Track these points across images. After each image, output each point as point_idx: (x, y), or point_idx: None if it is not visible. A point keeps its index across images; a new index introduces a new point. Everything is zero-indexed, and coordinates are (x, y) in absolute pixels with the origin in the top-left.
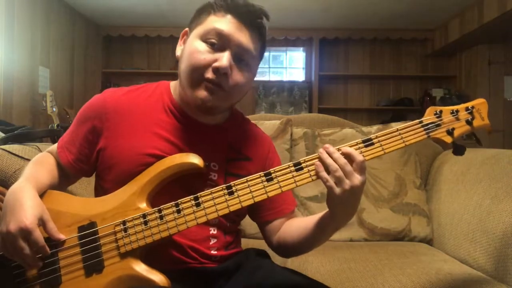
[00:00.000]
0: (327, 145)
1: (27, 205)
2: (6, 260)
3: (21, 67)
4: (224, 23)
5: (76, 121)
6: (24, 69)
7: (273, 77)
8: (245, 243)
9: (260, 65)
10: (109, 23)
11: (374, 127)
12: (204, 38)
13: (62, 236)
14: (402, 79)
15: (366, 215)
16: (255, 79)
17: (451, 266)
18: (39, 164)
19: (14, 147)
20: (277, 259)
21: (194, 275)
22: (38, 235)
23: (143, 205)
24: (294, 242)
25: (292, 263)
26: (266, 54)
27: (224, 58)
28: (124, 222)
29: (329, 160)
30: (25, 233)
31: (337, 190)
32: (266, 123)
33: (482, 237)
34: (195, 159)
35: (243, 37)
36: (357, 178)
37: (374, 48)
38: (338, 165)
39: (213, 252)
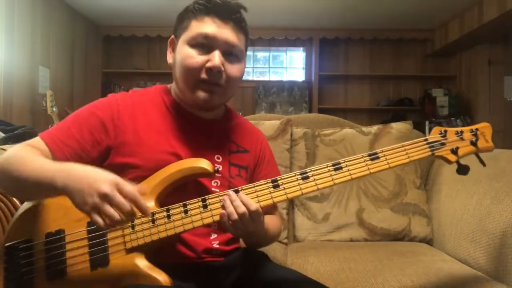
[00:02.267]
0: (230, 192)
1: (96, 173)
2: (14, 250)
3: (21, 67)
4: (207, 25)
5: (80, 117)
6: (24, 69)
7: (273, 77)
8: None
9: (260, 65)
10: (109, 23)
11: (374, 127)
12: (192, 44)
13: (143, 202)
14: (402, 79)
15: (366, 215)
16: (255, 79)
17: (451, 266)
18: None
19: None
20: (277, 259)
21: (195, 270)
22: (127, 187)
23: (151, 204)
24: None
25: (292, 263)
26: (266, 54)
27: (215, 58)
28: None
29: (230, 209)
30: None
31: (233, 231)
32: (266, 123)
33: (482, 237)
34: (205, 164)
35: (228, 34)
36: (251, 225)
37: (374, 48)
38: (238, 214)
39: (215, 246)
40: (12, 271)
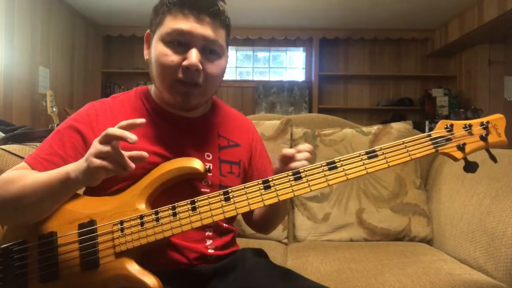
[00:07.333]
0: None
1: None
2: (9, 252)
3: (21, 67)
4: (182, 21)
5: (60, 133)
6: (24, 69)
7: (273, 77)
8: (245, 243)
9: (260, 65)
10: (109, 23)
11: (374, 127)
12: (166, 41)
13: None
14: (402, 79)
15: (366, 215)
16: (255, 79)
17: (451, 266)
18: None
19: (14, 147)
20: (277, 259)
21: (188, 276)
22: (110, 129)
23: (142, 206)
24: (261, 221)
25: (292, 263)
26: (266, 54)
27: (192, 56)
28: (121, 222)
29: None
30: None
31: None
32: (266, 123)
33: (482, 237)
34: (196, 164)
35: (205, 29)
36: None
37: (374, 48)
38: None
39: (210, 251)
40: (7, 273)
